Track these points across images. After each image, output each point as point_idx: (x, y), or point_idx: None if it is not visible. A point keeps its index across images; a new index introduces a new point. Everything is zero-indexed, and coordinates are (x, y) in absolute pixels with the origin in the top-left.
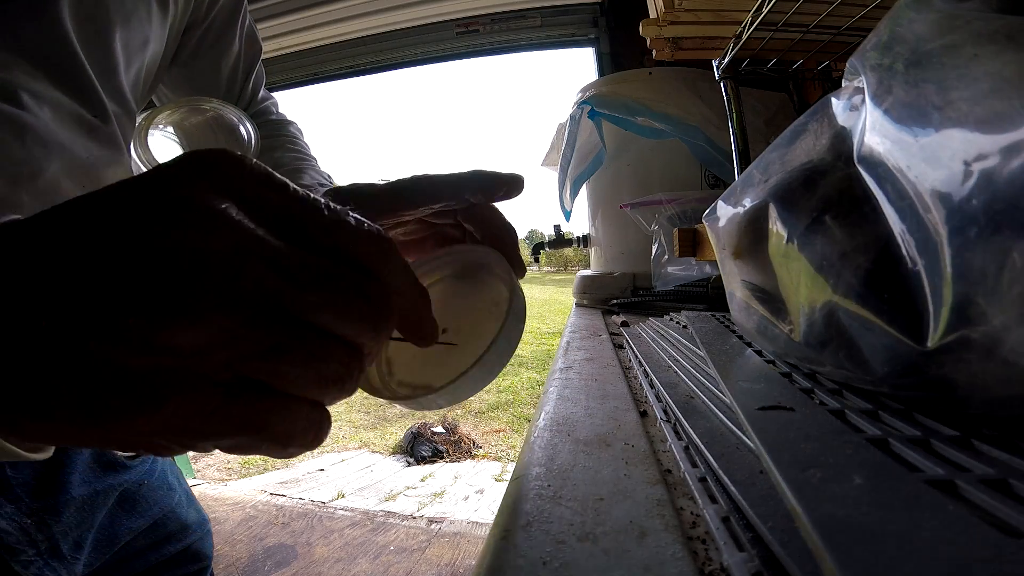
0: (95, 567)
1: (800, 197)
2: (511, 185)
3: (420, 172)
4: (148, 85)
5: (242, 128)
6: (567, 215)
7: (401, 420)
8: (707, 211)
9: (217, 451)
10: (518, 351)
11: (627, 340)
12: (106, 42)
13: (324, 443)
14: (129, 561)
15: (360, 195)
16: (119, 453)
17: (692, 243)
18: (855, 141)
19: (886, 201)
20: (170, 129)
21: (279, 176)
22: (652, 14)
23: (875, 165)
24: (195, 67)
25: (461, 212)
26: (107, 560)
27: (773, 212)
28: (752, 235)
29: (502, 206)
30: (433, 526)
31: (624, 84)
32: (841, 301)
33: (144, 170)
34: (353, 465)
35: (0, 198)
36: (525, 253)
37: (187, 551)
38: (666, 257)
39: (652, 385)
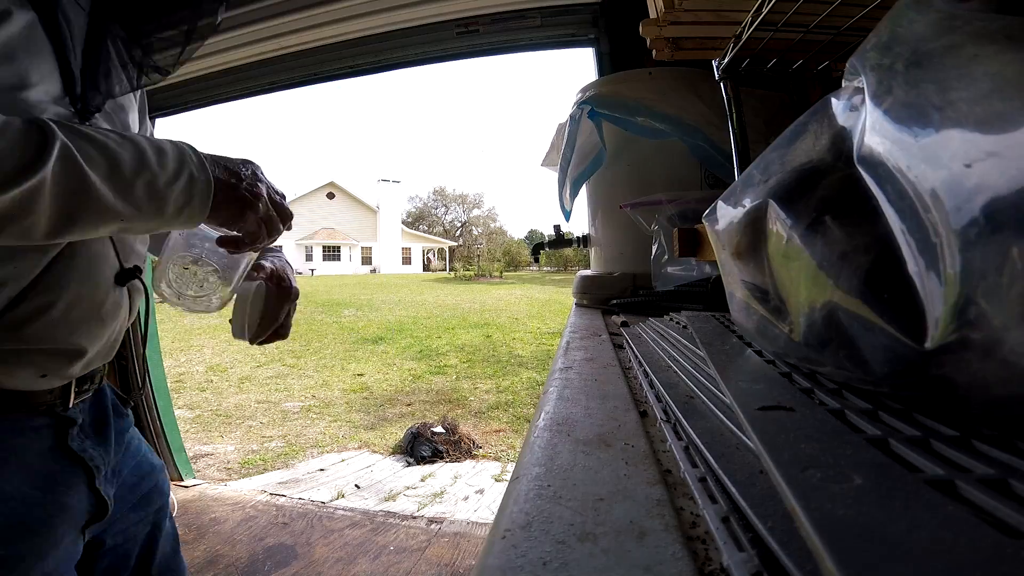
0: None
1: (800, 197)
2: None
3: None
4: None
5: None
6: (567, 215)
7: (401, 420)
8: (707, 211)
9: (216, 451)
10: (518, 351)
11: (627, 340)
12: None
13: (324, 443)
14: (129, 489)
15: None
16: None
17: (692, 243)
18: (855, 141)
19: (886, 201)
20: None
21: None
22: (652, 14)
23: (875, 165)
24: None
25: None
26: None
27: (773, 212)
28: (752, 235)
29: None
30: (433, 526)
31: (624, 84)
32: (841, 301)
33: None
34: (353, 465)
35: None
36: (525, 253)
37: (156, 487)
38: (666, 257)
39: (652, 385)
